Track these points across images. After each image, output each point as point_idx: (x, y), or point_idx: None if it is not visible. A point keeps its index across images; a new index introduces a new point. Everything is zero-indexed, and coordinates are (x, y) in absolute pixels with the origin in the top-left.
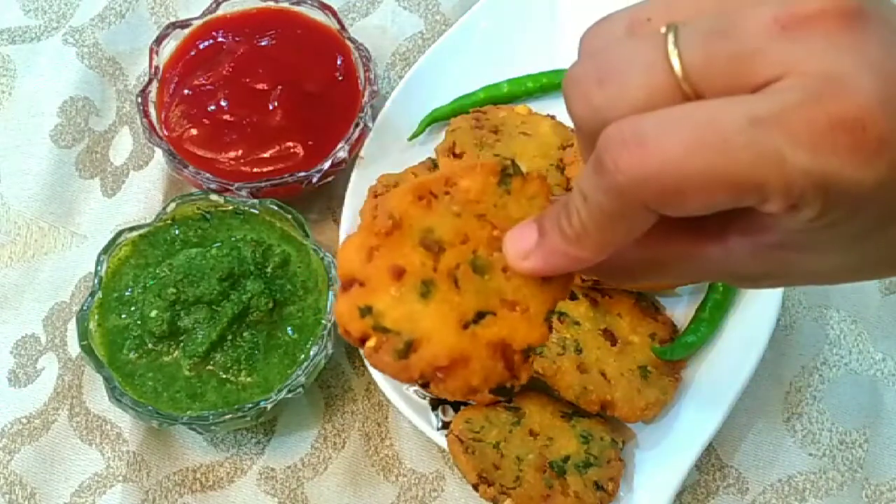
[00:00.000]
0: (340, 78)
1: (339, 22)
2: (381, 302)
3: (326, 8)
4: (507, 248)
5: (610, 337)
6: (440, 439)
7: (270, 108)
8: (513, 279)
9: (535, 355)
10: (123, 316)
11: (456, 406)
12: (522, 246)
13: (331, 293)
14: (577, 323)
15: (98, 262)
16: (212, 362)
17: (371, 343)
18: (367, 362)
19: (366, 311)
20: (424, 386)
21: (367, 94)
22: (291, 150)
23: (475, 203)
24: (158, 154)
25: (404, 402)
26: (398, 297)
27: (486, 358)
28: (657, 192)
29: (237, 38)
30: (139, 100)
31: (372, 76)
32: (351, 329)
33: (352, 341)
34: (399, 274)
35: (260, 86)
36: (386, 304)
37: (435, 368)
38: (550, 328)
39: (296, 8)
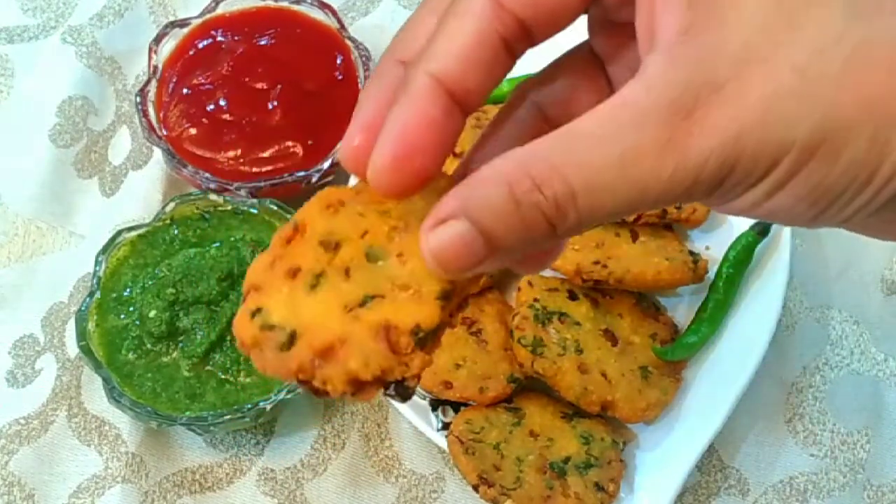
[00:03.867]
0: (340, 77)
1: (339, 21)
2: (272, 301)
3: (326, 7)
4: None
5: (611, 337)
6: (440, 440)
7: (270, 107)
8: (408, 264)
9: (432, 342)
10: (122, 316)
11: (456, 407)
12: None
13: None
14: (578, 323)
15: (97, 263)
16: (211, 363)
17: (256, 341)
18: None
19: (256, 312)
20: (305, 383)
21: None
22: (291, 150)
23: (379, 202)
24: (157, 154)
25: None
26: (289, 294)
27: (366, 339)
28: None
29: (236, 38)
30: (138, 99)
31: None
32: (243, 336)
33: (245, 350)
34: (294, 274)
35: (259, 85)
36: (275, 302)
37: (312, 357)
38: (445, 309)
39: (295, 7)
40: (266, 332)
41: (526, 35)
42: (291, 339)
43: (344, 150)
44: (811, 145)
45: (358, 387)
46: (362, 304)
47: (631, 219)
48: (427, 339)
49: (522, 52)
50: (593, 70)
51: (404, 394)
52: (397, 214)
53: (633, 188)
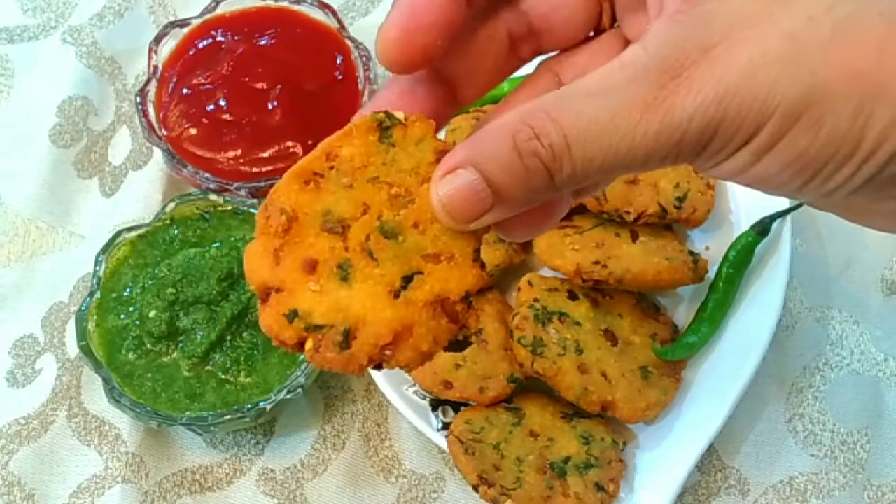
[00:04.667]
0: (340, 77)
1: (339, 21)
2: (303, 301)
3: (326, 7)
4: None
5: (611, 337)
6: (440, 440)
7: (270, 107)
8: (427, 231)
9: (473, 298)
10: (122, 316)
11: (456, 407)
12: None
13: None
14: (578, 323)
15: (97, 263)
16: (211, 363)
17: (309, 345)
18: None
19: (292, 315)
20: (378, 367)
21: (366, 93)
22: (291, 150)
23: (363, 168)
24: (157, 154)
25: (404, 402)
26: (318, 290)
27: (428, 319)
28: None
29: (236, 38)
30: (138, 99)
31: (372, 76)
32: (284, 338)
33: (290, 349)
34: (311, 267)
35: (259, 85)
36: (310, 302)
37: (381, 348)
38: (483, 266)
39: (295, 7)
40: (315, 333)
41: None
42: (347, 335)
43: (380, 42)
44: (795, 111)
45: (428, 357)
46: (405, 285)
47: (631, 219)
48: (471, 297)
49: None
50: (617, 48)
51: (464, 346)
52: (387, 178)
53: (622, 142)
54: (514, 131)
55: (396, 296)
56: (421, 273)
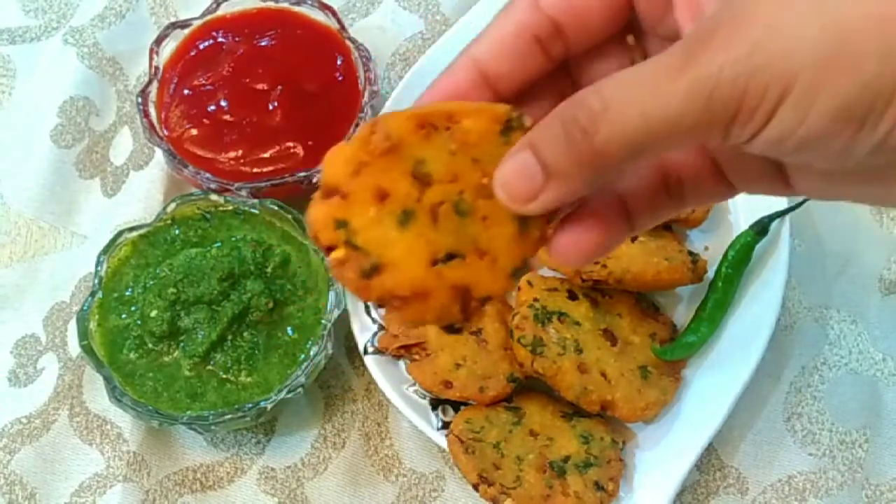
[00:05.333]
0: (340, 78)
1: (339, 22)
2: (358, 219)
3: (326, 8)
4: (508, 184)
5: (610, 337)
6: (440, 439)
7: (270, 108)
8: (490, 229)
9: (488, 304)
10: (123, 316)
11: (456, 406)
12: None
13: (331, 293)
14: (578, 323)
15: (98, 262)
16: (212, 362)
17: (338, 254)
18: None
19: (341, 224)
20: (379, 307)
21: (367, 94)
22: (291, 150)
23: (473, 146)
24: (158, 154)
25: (404, 402)
26: (376, 218)
27: (446, 298)
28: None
29: (237, 39)
30: (139, 100)
31: (372, 76)
32: (322, 237)
33: (318, 246)
34: (383, 196)
35: (260, 86)
36: (362, 223)
37: (393, 296)
38: (514, 284)
39: (296, 8)
40: (349, 248)
41: (559, 35)
42: (374, 268)
43: None
44: (826, 60)
45: (422, 324)
46: (445, 259)
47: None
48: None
49: (558, 54)
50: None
51: (456, 331)
52: (487, 166)
53: (654, 101)
54: (561, 106)
55: (434, 263)
56: (464, 258)
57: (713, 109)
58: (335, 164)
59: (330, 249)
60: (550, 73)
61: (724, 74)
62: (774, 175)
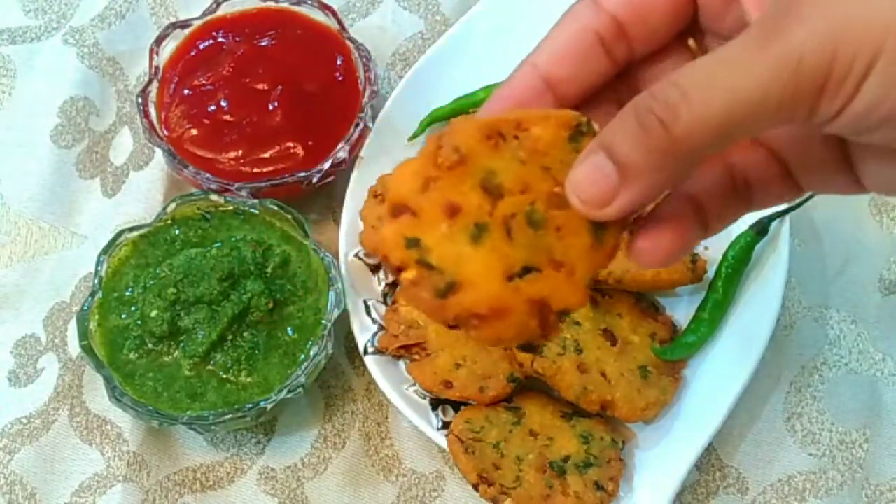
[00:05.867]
0: (340, 78)
1: (339, 22)
2: (430, 236)
3: (326, 8)
4: (583, 189)
5: (610, 337)
6: (440, 439)
7: (270, 108)
8: (565, 239)
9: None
10: (124, 316)
11: (456, 406)
12: (603, 184)
13: (331, 293)
14: (578, 323)
15: (98, 263)
16: (212, 362)
17: (410, 275)
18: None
19: (413, 242)
20: (454, 327)
21: (367, 94)
22: (291, 151)
23: (543, 154)
24: (158, 154)
25: (404, 402)
26: (449, 235)
27: (524, 314)
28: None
29: (237, 39)
30: (139, 100)
31: (372, 76)
32: (392, 257)
33: (388, 268)
34: (454, 211)
35: (260, 86)
36: (435, 240)
37: (472, 314)
38: (589, 295)
39: (296, 8)
40: (423, 269)
41: (622, 35)
42: (449, 287)
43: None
44: None
45: (501, 344)
46: (522, 274)
47: (631, 219)
48: (565, 316)
49: (622, 56)
50: None
51: (534, 349)
52: (558, 175)
53: (738, 79)
54: (635, 101)
55: (510, 279)
56: (540, 271)
57: (800, 82)
58: (402, 179)
59: (399, 270)
60: (612, 80)
61: (809, 45)
62: (843, 170)
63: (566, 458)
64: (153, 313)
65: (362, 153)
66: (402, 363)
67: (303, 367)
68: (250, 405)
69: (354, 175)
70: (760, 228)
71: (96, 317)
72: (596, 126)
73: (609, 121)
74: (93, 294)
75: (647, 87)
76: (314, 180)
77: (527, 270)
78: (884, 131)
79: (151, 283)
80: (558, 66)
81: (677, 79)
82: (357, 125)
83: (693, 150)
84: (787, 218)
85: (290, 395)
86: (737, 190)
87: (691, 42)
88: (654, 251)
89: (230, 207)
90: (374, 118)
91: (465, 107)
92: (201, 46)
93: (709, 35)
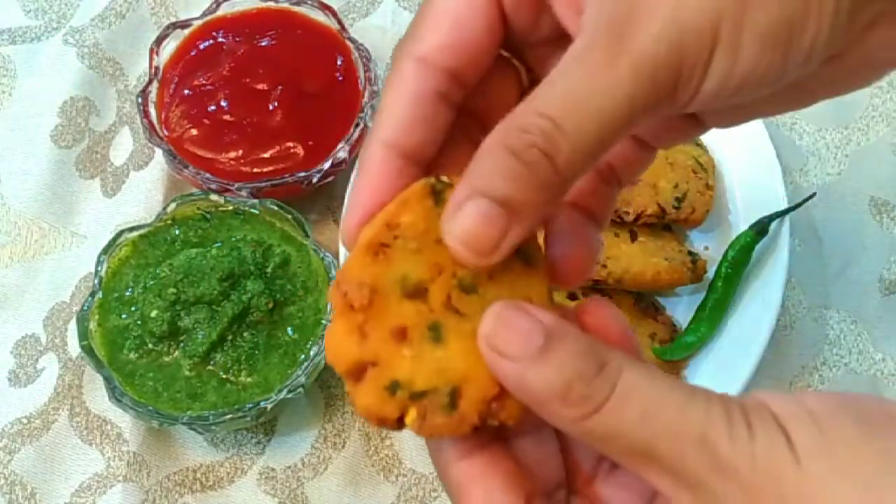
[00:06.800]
0: (340, 78)
1: (339, 22)
2: (401, 371)
3: (326, 8)
4: (464, 247)
5: None
6: None
7: (270, 108)
8: (502, 280)
9: None
10: (124, 316)
11: None
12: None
13: None
14: None
15: (98, 263)
16: (212, 362)
17: (413, 415)
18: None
19: (394, 387)
20: (485, 426)
21: (367, 94)
22: (291, 151)
23: (426, 232)
24: (159, 154)
25: None
26: (415, 356)
27: None
28: None
29: (237, 39)
30: (139, 100)
31: (372, 76)
32: (386, 413)
33: (390, 427)
34: (402, 334)
35: (260, 86)
36: (408, 370)
37: (489, 402)
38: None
39: (296, 8)
40: (419, 401)
41: (458, 83)
42: (454, 395)
43: (342, 231)
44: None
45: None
46: None
47: (630, 219)
48: None
49: (459, 98)
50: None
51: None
52: None
53: (604, 99)
54: (503, 139)
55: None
56: None
57: (660, 82)
58: (337, 346)
59: (401, 420)
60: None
61: (659, 50)
62: (691, 121)
63: None
64: (153, 313)
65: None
66: None
67: (303, 367)
68: (250, 405)
69: (354, 175)
70: (760, 228)
71: (96, 317)
72: (446, 178)
73: (463, 159)
74: (93, 294)
75: (489, 113)
76: (314, 180)
77: None
78: (741, 95)
79: (151, 283)
80: (408, 135)
81: (539, 107)
82: (357, 125)
83: (576, 173)
84: (787, 218)
85: (290, 395)
86: (605, 178)
87: (516, 62)
88: (572, 268)
89: (230, 207)
90: (373, 118)
91: None
92: (201, 46)
93: (524, 46)
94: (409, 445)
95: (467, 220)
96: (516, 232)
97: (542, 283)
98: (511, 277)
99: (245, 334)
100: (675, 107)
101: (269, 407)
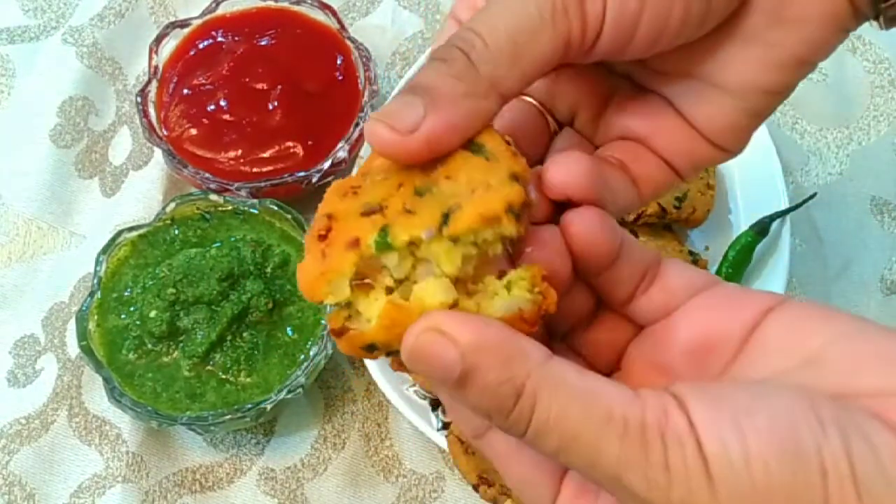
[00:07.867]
0: (340, 78)
1: (339, 22)
2: (367, 237)
3: (326, 8)
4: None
5: None
6: (440, 440)
7: (270, 108)
8: (458, 178)
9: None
10: (123, 316)
11: None
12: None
13: None
14: None
15: (97, 263)
16: (211, 363)
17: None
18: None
19: (382, 244)
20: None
21: (367, 93)
22: (291, 150)
23: (393, 165)
24: (158, 154)
25: (404, 402)
26: (363, 257)
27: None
28: None
29: (237, 38)
30: (138, 99)
31: (372, 76)
32: (340, 321)
33: (339, 335)
34: (356, 244)
35: (260, 86)
36: (399, 229)
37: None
38: (522, 189)
39: (296, 8)
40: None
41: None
42: (445, 219)
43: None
44: None
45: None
46: (444, 221)
47: (631, 219)
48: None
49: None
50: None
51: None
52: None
53: (517, 3)
54: (433, 51)
55: (439, 230)
56: (459, 207)
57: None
58: (305, 271)
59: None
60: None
61: None
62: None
63: None
64: (152, 313)
65: (362, 153)
66: None
67: (302, 367)
68: (250, 405)
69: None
70: (761, 228)
71: (95, 317)
72: None
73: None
74: (92, 294)
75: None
76: (314, 180)
77: (446, 217)
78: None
79: (151, 283)
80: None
81: (467, 23)
82: (357, 125)
83: (494, 70)
84: (788, 218)
85: (289, 396)
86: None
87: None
88: (567, 164)
89: (230, 207)
90: None
91: None
92: (201, 46)
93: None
94: (409, 446)
95: (391, 105)
96: (434, 119)
97: (502, 171)
98: (468, 174)
99: (244, 334)
100: (587, 28)
101: (269, 407)
